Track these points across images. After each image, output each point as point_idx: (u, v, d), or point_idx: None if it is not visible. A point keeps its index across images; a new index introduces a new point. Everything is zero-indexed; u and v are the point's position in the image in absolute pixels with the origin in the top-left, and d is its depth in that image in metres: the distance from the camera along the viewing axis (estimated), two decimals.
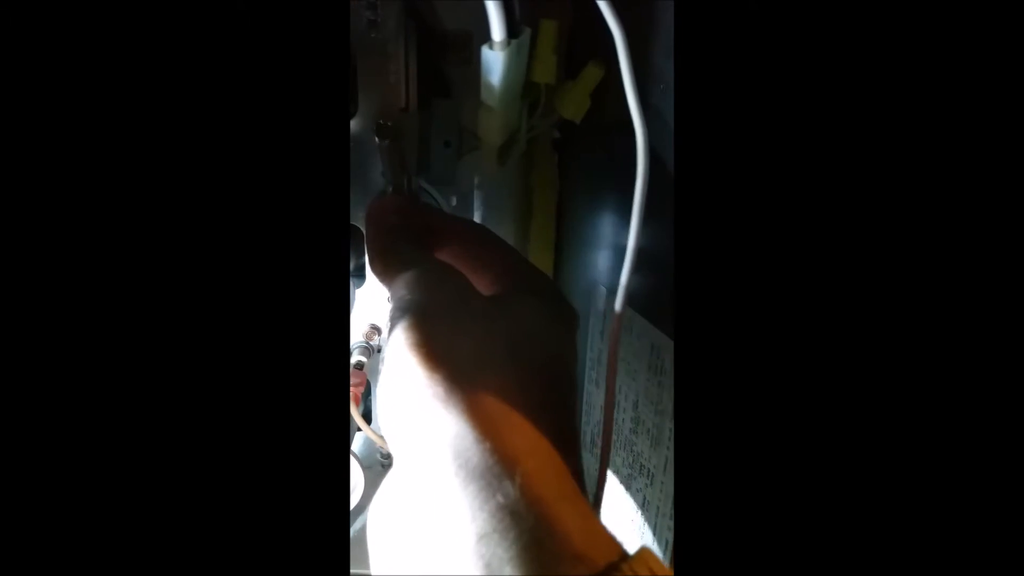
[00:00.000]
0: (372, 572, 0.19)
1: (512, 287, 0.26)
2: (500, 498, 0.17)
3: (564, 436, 0.20)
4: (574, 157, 0.37)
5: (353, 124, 0.33)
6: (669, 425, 0.32)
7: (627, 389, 0.35)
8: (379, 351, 0.48)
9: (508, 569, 0.16)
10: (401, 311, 0.21)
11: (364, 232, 0.29)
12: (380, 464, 0.56)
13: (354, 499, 0.43)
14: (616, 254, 0.35)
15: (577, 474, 0.20)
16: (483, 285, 0.26)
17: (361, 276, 0.45)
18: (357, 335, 0.47)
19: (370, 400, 0.53)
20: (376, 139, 0.30)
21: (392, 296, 0.23)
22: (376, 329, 0.47)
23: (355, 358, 0.46)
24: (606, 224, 0.35)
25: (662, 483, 0.34)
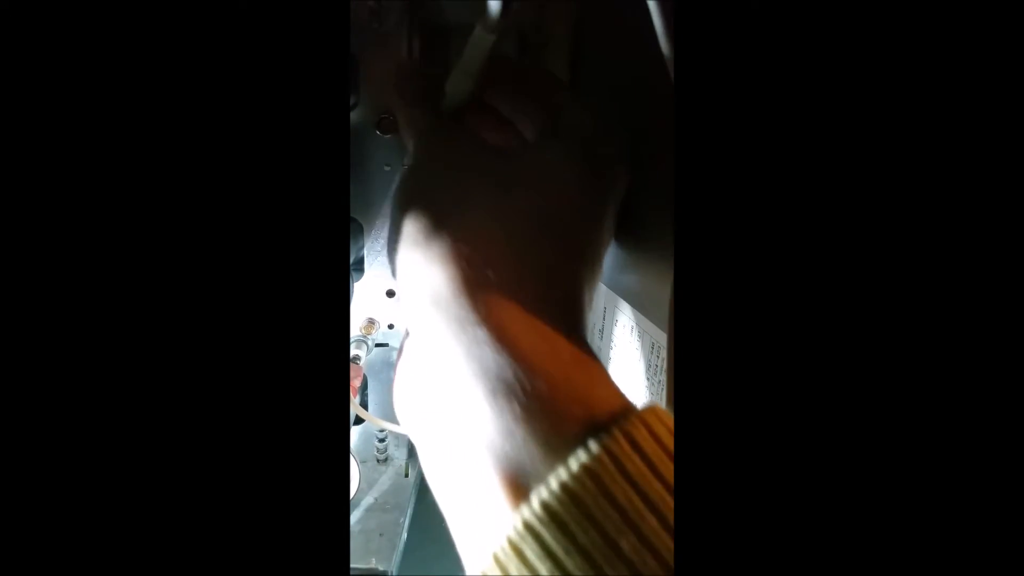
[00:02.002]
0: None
1: (545, 134, 0.25)
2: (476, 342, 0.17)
3: (558, 291, 0.20)
4: None
5: (355, 116, 0.32)
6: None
7: (626, 387, 0.35)
8: (376, 345, 0.48)
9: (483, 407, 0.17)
10: (403, 172, 0.23)
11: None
12: (376, 459, 0.56)
13: (350, 494, 0.43)
14: (617, 253, 0.34)
15: (570, 328, 0.20)
16: (530, 131, 0.26)
17: (359, 270, 0.45)
18: (354, 329, 0.47)
19: (366, 393, 0.53)
20: (378, 132, 0.30)
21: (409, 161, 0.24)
22: (373, 323, 0.47)
23: (351, 352, 0.46)
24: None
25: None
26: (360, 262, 0.44)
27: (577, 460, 0.15)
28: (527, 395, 0.17)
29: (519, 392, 0.17)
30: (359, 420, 0.50)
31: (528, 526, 0.15)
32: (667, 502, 0.16)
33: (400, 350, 0.24)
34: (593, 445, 0.15)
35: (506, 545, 0.15)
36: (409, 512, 0.51)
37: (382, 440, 0.56)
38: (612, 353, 0.36)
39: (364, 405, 0.51)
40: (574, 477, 0.15)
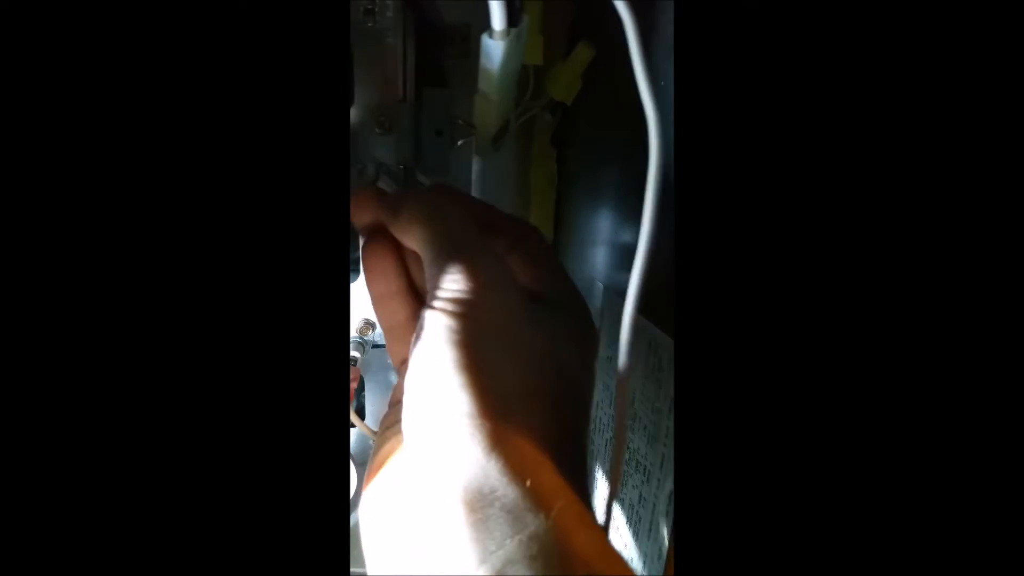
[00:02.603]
0: (369, 573, 0.19)
1: (547, 298, 0.24)
2: (531, 528, 0.16)
3: (577, 460, 0.20)
4: (573, 153, 0.37)
5: (350, 114, 0.32)
6: (666, 423, 0.32)
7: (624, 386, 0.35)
8: (374, 347, 0.48)
9: None
10: (453, 311, 0.19)
11: (418, 212, 0.24)
12: None
13: None
14: (614, 251, 0.34)
15: (587, 500, 0.19)
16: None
17: (355, 271, 0.45)
18: (351, 330, 0.47)
19: (362, 396, 0.52)
20: (376, 129, 0.30)
21: (444, 282, 0.20)
22: (370, 324, 0.47)
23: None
24: (604, 221, 0.35)
25: (659, 480, 0.34)
26: (356, 262, 0.44)
27: None
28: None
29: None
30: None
31: None
32: None
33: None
34: None
35: None
36: None
37: None
38: (610, 352, 0.36)
39: (360, 407, 0.51)
40: None
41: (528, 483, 0.16)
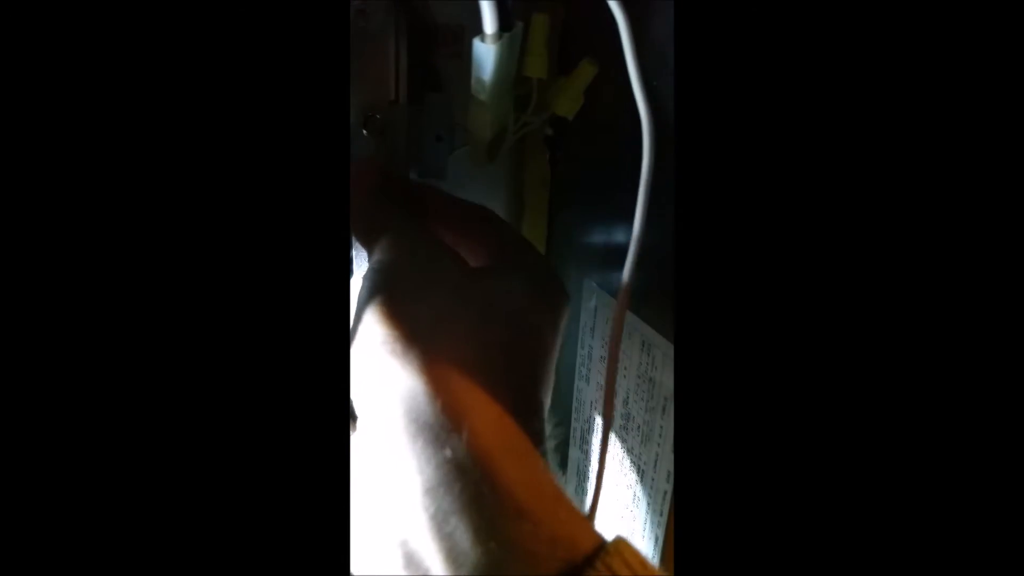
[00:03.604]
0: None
1: (501, 262, 0.26)
2: (447, 452, 0.17)
3: (524, 404, 0.21)
4: (566, 154, 0.37)
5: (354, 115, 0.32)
6: (659, 422, 0.32)
7: (617, 386, 0.35)
8: None
9: (452, 522, 0.17)
10: (372, 272, 0.22)
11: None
12: None
13: None
14: (607, 251, 0.34)
15: (536, 440, 0.20)
16: (476, 260, 0.26)
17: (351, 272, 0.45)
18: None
19: None
20: (364, 131, 0.29)
21: (369, 257, 0.24)
22: None
23: None
24: (597, 221, 0.35)
25: (652, 479, 0.34)
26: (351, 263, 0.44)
27: None
28: (510, 533, 0.17)
29: (503, 527, 0.17)
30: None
31: None
32: None
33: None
34: None
35: None
36: None
37: None
38: (603, 352, 0.36)
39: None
40: None
41: (439, 402, 0.18)
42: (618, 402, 0.35)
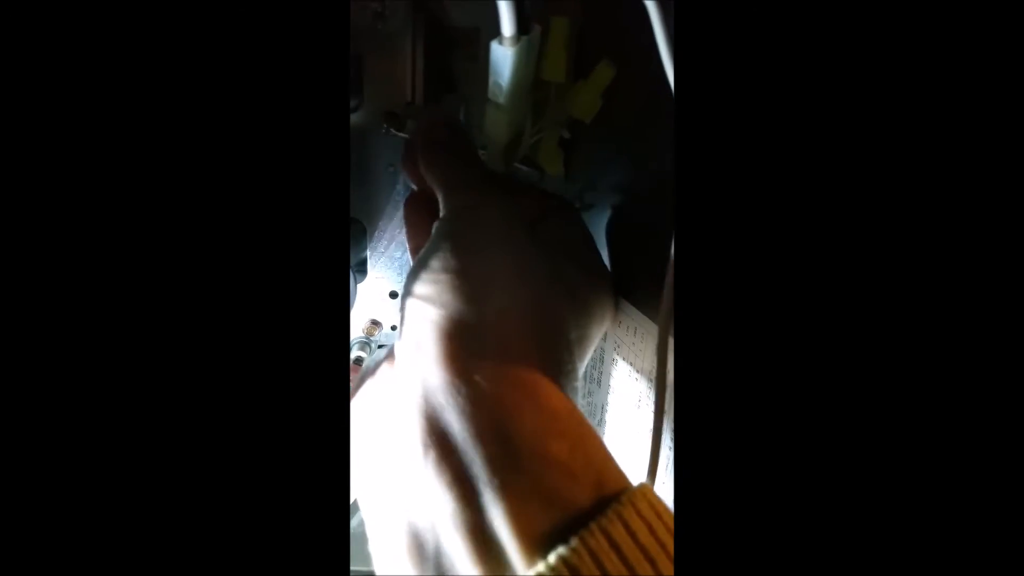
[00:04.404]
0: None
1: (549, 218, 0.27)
2: (477, 378, 0.18)
3: (562, 355, 0.22)
4: (580, 157, 0.37)
5: (358, 117, 0.32)
6: (671, 425, 0.32)
7: (628, 390, 0.35)
8: (379, 347, 0.48)
9: (471, 451, 0.18)
10: (450, 220, 0.24)
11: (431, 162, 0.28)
12: None
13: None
14: (624, 254, 0.34)
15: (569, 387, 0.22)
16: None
17: (362, 272, 0.45)
18: (357, 331, 0.47)
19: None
20: (384, 128, 0.30)
21: (444, 207, 0.25)
22: (376, 324, 0.47)
23: (354, 354, 0.46)
24: (613, 224, 0.35)
25: (663, 482, 0.34)
26: (363, 263, 0.44)
27: (557, 554, 0.16)
28: (535, 462, 0.18)
29: (535, 452, 0.18)
30: None
31: None
32: None
33: (365, 373, 0.24)
34: (574, 541, 0.16)
35: None
36: None
37: None
38: (615, 355, 0.36)
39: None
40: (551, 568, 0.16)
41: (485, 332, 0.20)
42: (630, 405, 0.35)
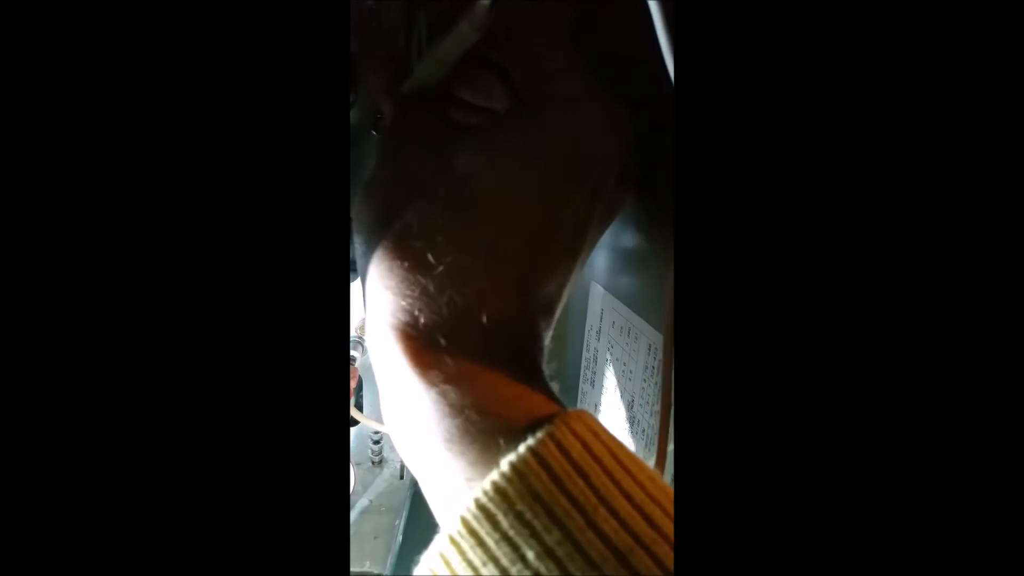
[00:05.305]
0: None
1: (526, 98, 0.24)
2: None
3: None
4: None
5: (353, 114, 0.32)
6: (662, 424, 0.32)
7: (622, 390, 0.35)
8: None
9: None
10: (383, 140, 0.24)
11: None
12: (371, 461, 0.56)
13: None
14: (614, 254, 0.34)
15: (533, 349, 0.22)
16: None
17: (354, 271, 0.45)
18: (351, 329, 0.47)
19: (361, 395, 0.52)
20: (372, 131, 0.30)
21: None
22: None
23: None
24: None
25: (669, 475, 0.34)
26: (355, 263, 0.44)
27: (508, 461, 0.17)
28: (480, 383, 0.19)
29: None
30: (354, 422, 0.49)
31: (479, 508, 0.17)
32: (591, 502, 0.17)
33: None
34: (522, 448, 0.17)
35: (462, 528, 0.17)
36: (404, 515, 0.51)
37: (377, 442, 0.55)
38: (609, 355, 0.36)
39: (359, 406, 0.51)
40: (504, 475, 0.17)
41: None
42: (623, 405, 0.35)
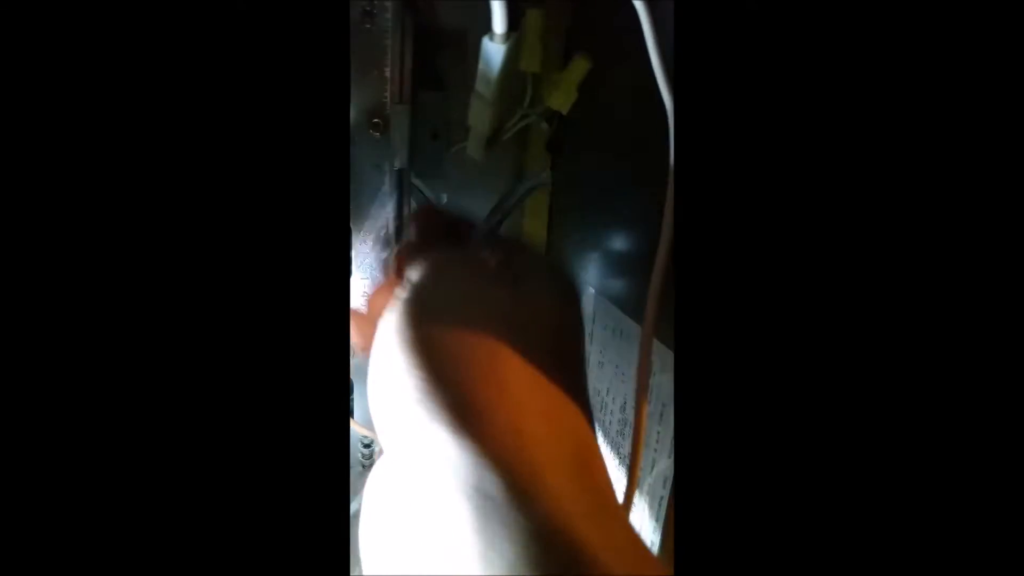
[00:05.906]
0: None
1: (514, 268, 0.24)
2: (525, 522, 0.14)
3: (579, 415, 0.18)
4: (566, 159, 0.37)
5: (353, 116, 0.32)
6: (656, 428, 0.32)
7: (615, 391, 0.35)
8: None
9: None
10: (402, 298, 0.19)
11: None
12: (361, 464, 0.56)
13: None
14: (607, 257, 0.35)
15: (594, 451, 0.18)
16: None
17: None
18: None
19: (352, 399, 0.52)
20: (370, 131, 0.30)
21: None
22: None
23: None
24: (597, 226, 0.35)
25: (648, 484, 0.34)
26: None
27: None
28: None
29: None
30: None
31: None
32: None
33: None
34: None
35: None
36: None
37: (367, 446, 0.55)
38: (602, 358, 0.36)
39: (350, 411, 0.51)
40: None
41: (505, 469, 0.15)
42: (616, 407, 0.35)
